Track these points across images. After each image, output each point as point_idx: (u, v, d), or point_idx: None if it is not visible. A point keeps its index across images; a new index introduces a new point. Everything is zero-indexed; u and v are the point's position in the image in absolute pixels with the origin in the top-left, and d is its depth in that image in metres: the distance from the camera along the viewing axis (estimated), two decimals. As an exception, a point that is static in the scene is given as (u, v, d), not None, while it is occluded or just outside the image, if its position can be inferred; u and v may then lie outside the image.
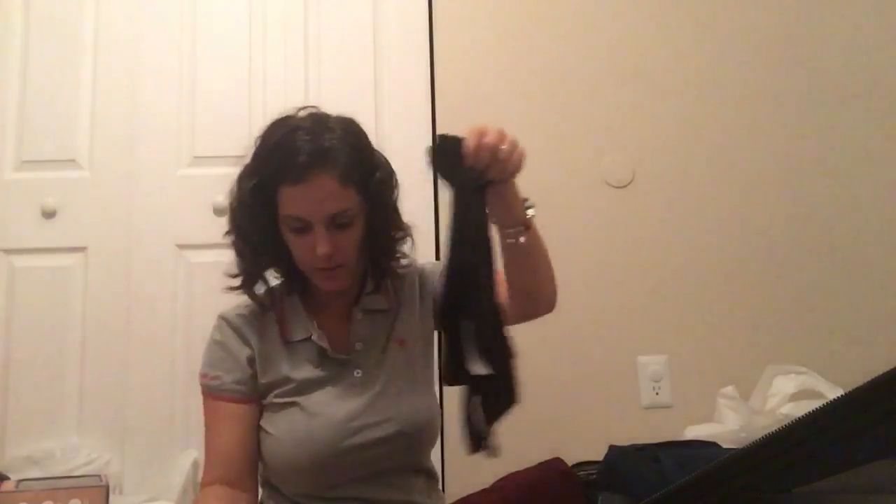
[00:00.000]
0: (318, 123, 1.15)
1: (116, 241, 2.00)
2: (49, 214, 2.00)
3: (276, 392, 1.19)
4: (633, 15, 2.14)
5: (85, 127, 2.05)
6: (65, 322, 1.96)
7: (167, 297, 1.98)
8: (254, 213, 1.17)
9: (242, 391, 1.19)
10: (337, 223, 1.14)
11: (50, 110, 2.05)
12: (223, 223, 2.12)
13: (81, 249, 2.00)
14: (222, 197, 2.00)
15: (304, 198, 1.12)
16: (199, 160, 2.04)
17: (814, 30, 2.14)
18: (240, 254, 1.22)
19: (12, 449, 1.87)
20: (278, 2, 2.12)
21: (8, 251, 1.99)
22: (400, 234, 1.25)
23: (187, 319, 1.97)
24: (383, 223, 1.22)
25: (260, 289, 1.25)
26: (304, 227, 1.14)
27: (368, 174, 1.17)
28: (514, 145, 1.01)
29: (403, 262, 1.28)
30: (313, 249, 1.13)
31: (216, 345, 1.22)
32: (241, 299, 1.25)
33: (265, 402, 1.20)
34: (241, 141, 2.07)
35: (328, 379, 1.19)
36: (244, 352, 1.21)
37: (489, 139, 0.99)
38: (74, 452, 1.84)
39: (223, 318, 1.24)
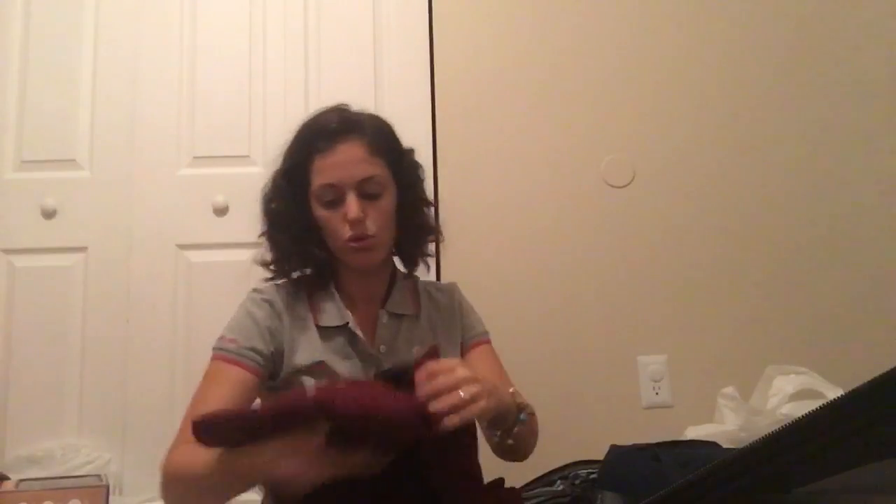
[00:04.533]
0: (345, 109, 1.24)
1: (116, 241, 2.00)
2: (49, 214, 2.00)
3: (305, 376, 1.17)
4: (633, 15, 2.13)
5: (85, 127, 2.04)
6: (65, 322, 1.96)
7: (167, 297, 1.98)
8: (287, 199, 1.21)
9: (256, 360, 1.15)
10: (367, 192, 1.17)
11: (50, 110, 2.04)
12: (223, 223, 2.12)
13: (81, 249, 2.00)
14: (222, 197, 2.02)
15: (334, 164, 1.17)
16: (199, 160, 2.04)
17: (814, 30, 2.14)
18: (276, 245, 1.24)
19: (12, 449, 1.87)
20: (278, 2, 2.12)
21: (8, 251, 1.99)
22: (427, 227, 1.29)
23: (187, 319, 1.96)
24: (413, 209, 1.26)
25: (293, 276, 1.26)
26: (335, 199, 1.17)
27: (398, 152, 1.24)
28: (470, 392, 0.91)
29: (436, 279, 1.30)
30: (345, 219, 1.16)
31: (246, 315, 1.19)
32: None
33: (284, 380, 1.17)
34: (241, 141, 2.09)
35: (357, 373, 1.19)
36: (273, 324, 1.18)
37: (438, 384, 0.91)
38: (74, 452, 1.84)
39: (258, 290, 1.23)
